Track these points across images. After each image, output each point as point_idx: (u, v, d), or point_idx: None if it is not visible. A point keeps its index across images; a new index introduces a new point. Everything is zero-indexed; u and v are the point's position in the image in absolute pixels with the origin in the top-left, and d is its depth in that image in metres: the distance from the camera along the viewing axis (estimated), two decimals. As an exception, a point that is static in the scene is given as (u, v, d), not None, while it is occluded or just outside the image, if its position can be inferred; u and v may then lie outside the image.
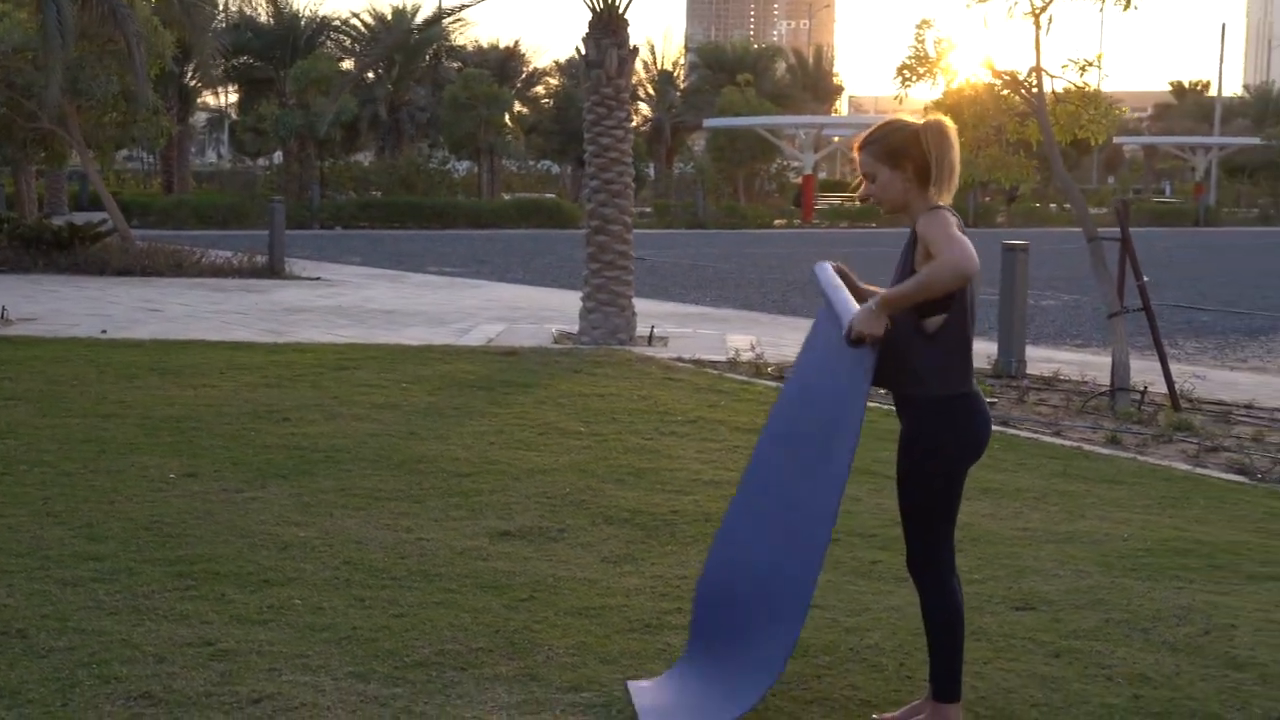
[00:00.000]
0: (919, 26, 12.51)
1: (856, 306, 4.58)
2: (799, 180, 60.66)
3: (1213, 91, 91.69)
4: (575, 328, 15.91)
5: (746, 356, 14.18)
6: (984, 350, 15.54)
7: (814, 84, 76.62)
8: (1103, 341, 17.47)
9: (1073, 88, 12.44)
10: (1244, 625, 6.03)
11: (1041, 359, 14.79)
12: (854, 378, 4.57)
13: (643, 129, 63.87)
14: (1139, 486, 8.85)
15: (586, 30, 15.36)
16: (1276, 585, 6.68)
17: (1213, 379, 13.77)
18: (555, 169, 65.15)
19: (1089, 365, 14.61)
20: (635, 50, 15.53)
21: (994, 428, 10.89)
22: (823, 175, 69.81)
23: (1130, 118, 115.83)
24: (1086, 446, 10.31)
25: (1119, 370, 11.95)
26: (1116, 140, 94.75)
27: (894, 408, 4.76)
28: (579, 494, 8.12)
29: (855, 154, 4.71)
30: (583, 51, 15.41)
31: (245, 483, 8.14)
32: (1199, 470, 9.54)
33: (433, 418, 10.40)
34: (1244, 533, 7.72)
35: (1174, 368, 12.32)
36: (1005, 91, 12.41)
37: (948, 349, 4.56)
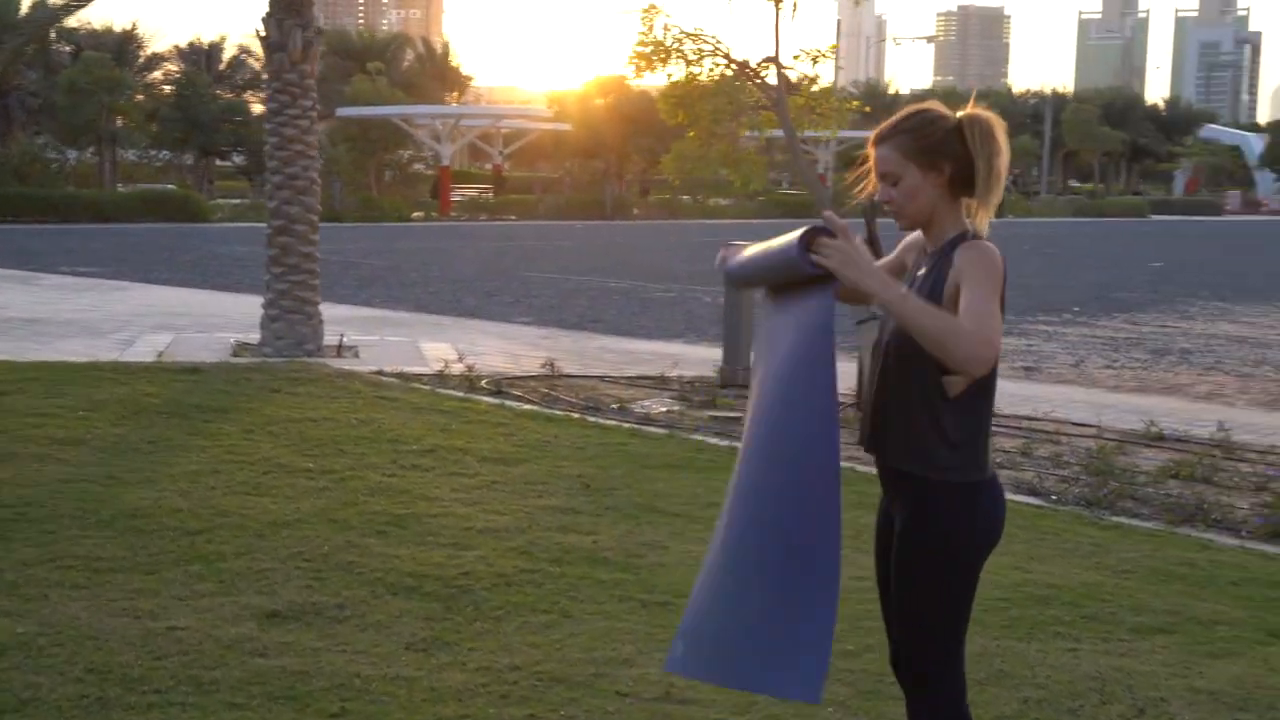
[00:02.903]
0: (646, 11, 11.58)
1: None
2: (429, 171, 59.36)
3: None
4: (254, 337, 14.43)
5: (457, 369, 13.00)
6: (708, 356, 14.80)
7: (442, 73, 75.31)
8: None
9: (805, 79, 11.75)
10: (1172, 698, 5.28)
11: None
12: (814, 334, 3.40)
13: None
14: (946, 516, 8.09)
15: (267, 9, 13.87)
16: (1168, 639, 5.98)
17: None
18: (175, 159, 62.06)
19: (809, 370, 13.96)
20: (320, 32, 14.12)
21: (755, 448, 10.12)
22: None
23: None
24: (860, 468, 9.55)
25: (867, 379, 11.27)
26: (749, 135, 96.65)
27: (879, 474, 3.74)
28: (341, 553, 6.85)
29: (871, 149, 3.66)
30: (263, 33, 13.92)
31: (-76, 555, 6.58)
32: (989, 492, 8.88)
33: (129, 455, 8.90)
34: (1088, 571, 7.03)
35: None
36: (740, 82, 11.58)
37: (975, 421, 3.57)
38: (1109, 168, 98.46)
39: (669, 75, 11.52)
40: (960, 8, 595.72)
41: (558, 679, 5.27)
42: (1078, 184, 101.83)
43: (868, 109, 13.22)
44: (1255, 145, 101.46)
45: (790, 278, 3.47)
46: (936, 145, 3.56)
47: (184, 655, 5.36)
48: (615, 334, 17.11)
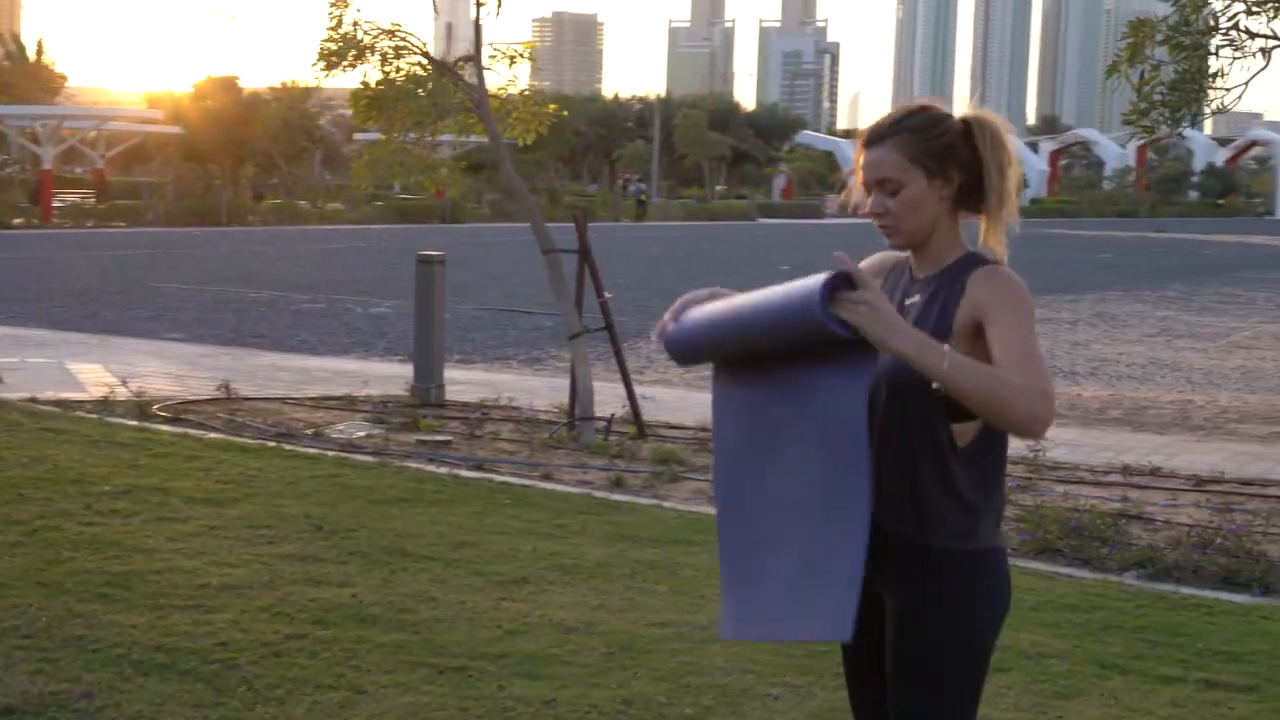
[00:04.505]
0: (334, 5, 10.72)
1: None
2: (22, 175, 55.98)
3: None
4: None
5: (122, 394, 11.83)
6: (390, 373, 13.97)
7: (35, 73, 71.28)
8: (481, 356, 16.26)
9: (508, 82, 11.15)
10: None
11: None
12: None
13: None
14: (715, 546, 7.57)
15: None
16: (1008, 679, 5.63)
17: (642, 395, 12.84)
18: None
19: (498, 386, 13.33)
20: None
21: (478, 475, 9.46)
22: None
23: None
24: (597, 494, 9.00)
25: (583, 397, 10.73)
26: (359, 137, 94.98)
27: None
28: (64, 625, 5.86)
29: (860, 151, 3.07)
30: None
31: None
32: (741, 516, 8.44)
33: None
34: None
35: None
36: (436, 83, 10.83)
37: (990, 476, 3.05)
38: (712, 173, 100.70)
39: (365, 75, 10.66)
40: (555, 14, 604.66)
41: (382, 775, 4.51)
42: (682, 189, 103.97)
43: (565, 112, 12.62)
44: (848, 151, 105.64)
45: (791, 342, 2.88)
46: (947, 149, 3.02)
47: (-86, 775, 4.37)
48: (279, 350, 16.09)
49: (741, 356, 3.05)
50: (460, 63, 10.95)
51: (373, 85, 10.69)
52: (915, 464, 2.98)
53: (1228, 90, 7.77)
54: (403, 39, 10.64)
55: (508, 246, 40.97)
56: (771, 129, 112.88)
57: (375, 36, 10.51)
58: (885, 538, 3.03)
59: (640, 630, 6.06)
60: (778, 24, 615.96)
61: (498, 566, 7.01)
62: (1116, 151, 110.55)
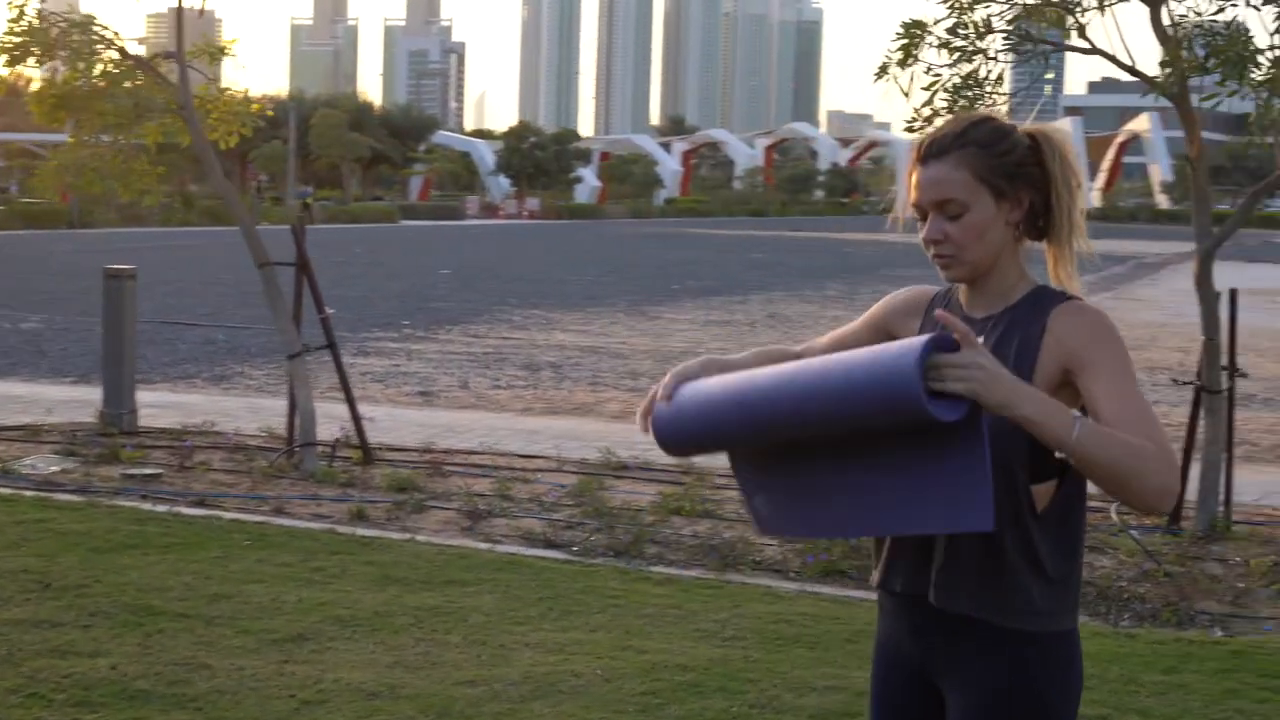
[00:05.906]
0: (15, -7, 9.68)
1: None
2: None
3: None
4: None
5: None
6: (66, 397, 12.84)
7: None
8: (160, 375, 15.15)
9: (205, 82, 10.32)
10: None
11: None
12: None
13: None
14: (492, 585, 7.04)
15: None
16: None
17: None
18: None
19: (191, 409, 12.38)
20: None
21: (202, 512, 8.65)
22: None
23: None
24: (341, 529, 8.29)
25: (304, 421, 9.96)
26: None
27: (910, 625, 2.72)
28: None
29: (915, 167, 2.60)
30: None
31: None
32: (503, 549, 7.93)
33: None
34: (700, 643, 6.24)
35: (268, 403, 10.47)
36: (136, 83, 9.92)
37: (1073, 545, 2.64)
38: (349, 174, 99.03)
39: (54, 71, 9.66)
40: (170, 9, 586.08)
41: None
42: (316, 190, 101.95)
43: (271, 112, 11.76)
44: (485, 152, 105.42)
45: (867, 426, 2.37)
46: (1017, 166, 2.59)
47: None
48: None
49: (778, 443, 2.56)
50: (158, 59, 10.03)
51: (54, 83, 9.70)
52: (995, 534, 2.53)
53: (1011, 95, 7.68)
54: (97, 33, 9.68)
55: (146, 253, 39.15)
56: (406, 129, 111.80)
57: (65, 30, 9.52)
58: (953, 621, 2.59)
59: (450, 691, 5.46)
60: (402, 23, 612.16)
61: (266, 622, 6.29)
62: (746, 152, 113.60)
